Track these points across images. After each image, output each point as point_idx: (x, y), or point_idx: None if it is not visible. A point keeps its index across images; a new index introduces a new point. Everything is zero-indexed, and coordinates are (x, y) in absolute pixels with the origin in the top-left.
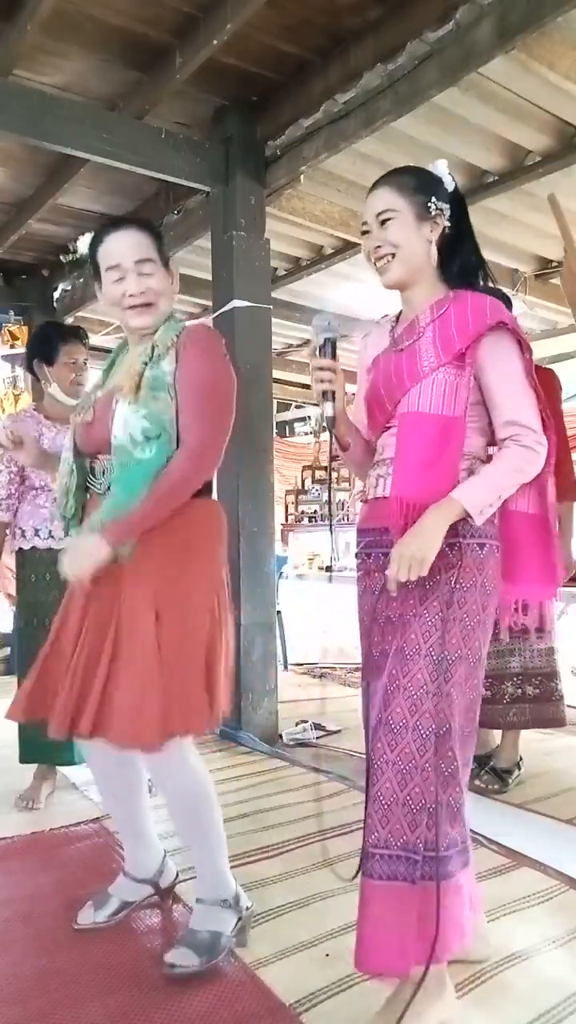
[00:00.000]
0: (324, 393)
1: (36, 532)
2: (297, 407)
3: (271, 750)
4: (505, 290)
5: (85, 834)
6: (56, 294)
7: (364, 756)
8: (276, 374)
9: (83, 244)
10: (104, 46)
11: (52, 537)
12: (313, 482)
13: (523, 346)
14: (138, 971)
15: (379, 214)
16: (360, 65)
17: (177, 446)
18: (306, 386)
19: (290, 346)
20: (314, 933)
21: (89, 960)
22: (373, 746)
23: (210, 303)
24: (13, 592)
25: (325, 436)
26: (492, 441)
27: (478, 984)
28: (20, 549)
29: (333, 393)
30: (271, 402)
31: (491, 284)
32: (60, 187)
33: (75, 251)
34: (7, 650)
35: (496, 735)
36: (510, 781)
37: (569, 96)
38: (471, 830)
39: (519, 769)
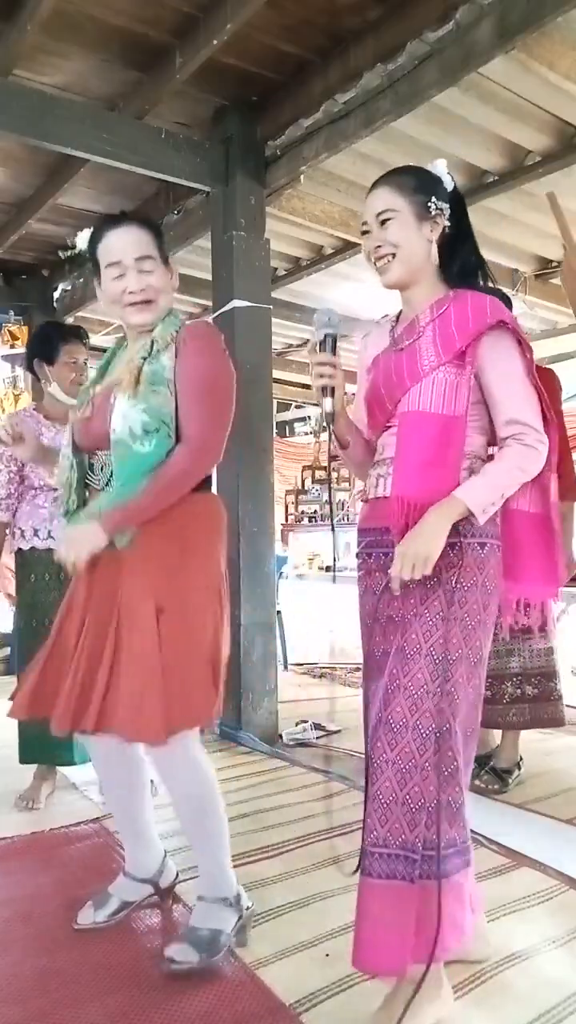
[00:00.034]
0: (324, 388)
1: (35, 532)
2: (297, 407)
3: (271, 750)
4: (505, 290)
5: (85, 834)
6: (56, 294)
7: (364, 756)
8: (276, 374)
9: (82, 240)
10: (104, 46)
11: (51, 537)
12: (313, 482)
13: (523, 345)
14: (138, 971)
15: (379, 214)
16: (360, 65)
17: (176, 441)
18: (306, 386)
19: (290, 346)
20: (314, 933)
21: (89, 960)
22: (373, 745)
23: (210, 303)
24: (13, 592)
25: (325, 436)
26: (492, 440)
27: (478, 984)
28: (19, 549)
29: (333, 389)
30: (271, 402)
31: (491, 284)
32: (60, 187)
33: (73, 247)
34: (7, 650)
35: (496, 735)
36: (510, 781)
37: (569, 96)
38: (471, 830)
39: (519, 769)
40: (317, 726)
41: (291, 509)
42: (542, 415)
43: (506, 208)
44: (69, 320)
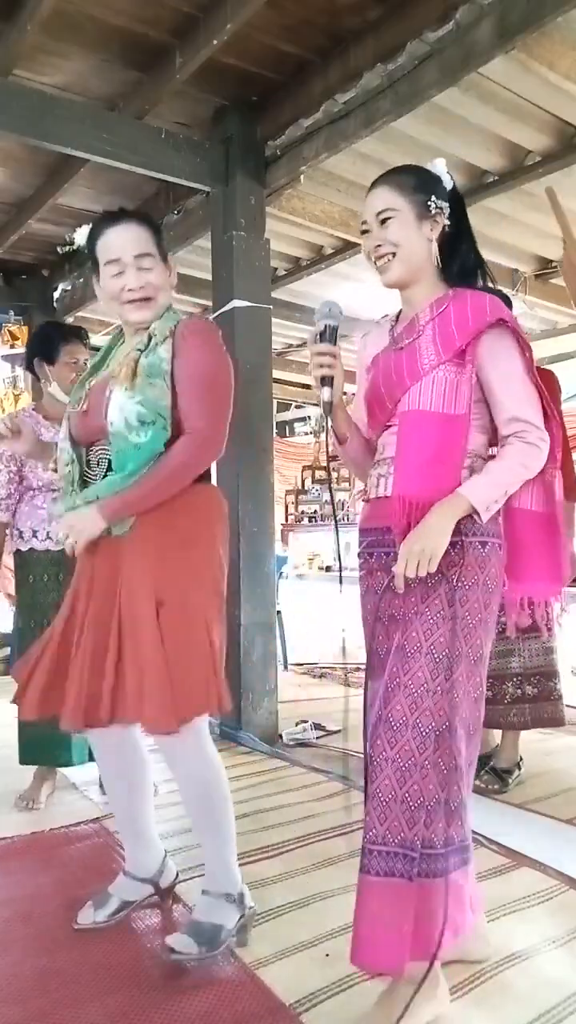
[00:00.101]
0: (323, 379)
1: (34, 533)
2: (297, 407)
3: (271, 750)
4: (505, 290)
5: (85, 834)
6: (56, 294)
7: (364, 756)
8: (276, 374)
9: (80, 236)
10: (104, 46)
11: (51, 538)
12: (313, 482)
13: (523, 344)
14: (138, 971)
15: (379, 213)
16: (360, 65)
17: (173, 434)
18: (306, 386)
19: (290, 346)
20: (314, 933)
21: (89, 960)
22: (373, 743)
23: (210, 303)
24: (13, 592)
25: (325, 436)
26: (493, 440)
27: (478, 984)
28: (19, 550)
29: (331, 379)
30: (271, 402)
31: (490, 283)
32: (60, 187)
33: (72, 243)
34: (7, 650)
35: (496, 735)
36: (510, 781)
37: (569, 96)
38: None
39: (519, 769)
40: (317, 726)
41: (291, 509)
42: (543, 412)
43: (506, 208)
44: (69, 320)
